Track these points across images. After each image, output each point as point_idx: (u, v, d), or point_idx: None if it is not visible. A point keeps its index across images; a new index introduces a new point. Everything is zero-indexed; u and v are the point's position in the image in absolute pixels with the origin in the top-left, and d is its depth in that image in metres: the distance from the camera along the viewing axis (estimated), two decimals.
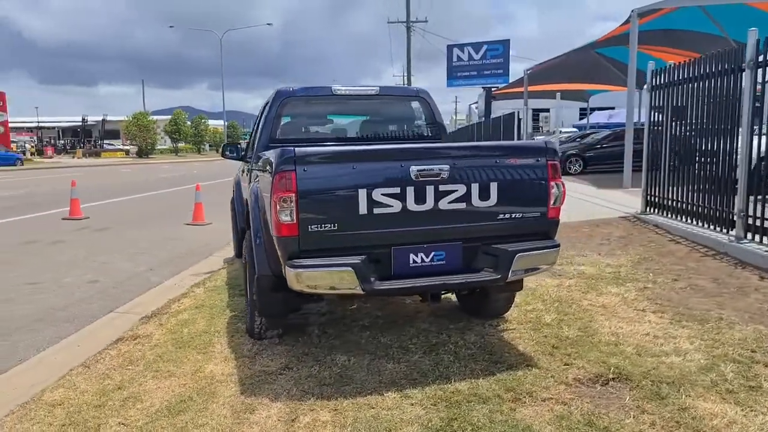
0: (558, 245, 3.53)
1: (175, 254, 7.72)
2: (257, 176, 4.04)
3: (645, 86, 8.85)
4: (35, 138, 57.26)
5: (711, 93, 6.86)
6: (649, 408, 2.91)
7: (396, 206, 3.22)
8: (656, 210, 8.52)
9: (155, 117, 57.51)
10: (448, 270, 3.40)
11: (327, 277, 3.17)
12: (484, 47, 29.68)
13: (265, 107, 4.98)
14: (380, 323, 4.38)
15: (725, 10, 13.60)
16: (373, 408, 3.00)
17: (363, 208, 3.18)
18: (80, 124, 64.53)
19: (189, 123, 61.18)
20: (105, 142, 61.74)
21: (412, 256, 3.36)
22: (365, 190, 3.18)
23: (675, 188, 7.87)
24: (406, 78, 40.71)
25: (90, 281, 6.31)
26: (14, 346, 4.32)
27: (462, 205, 3.33)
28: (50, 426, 2.91)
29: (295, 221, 3.11)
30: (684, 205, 7.60)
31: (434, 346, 3.82)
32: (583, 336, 3.92)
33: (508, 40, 30.20)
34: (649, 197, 8.76)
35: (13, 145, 46.04)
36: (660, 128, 8.27)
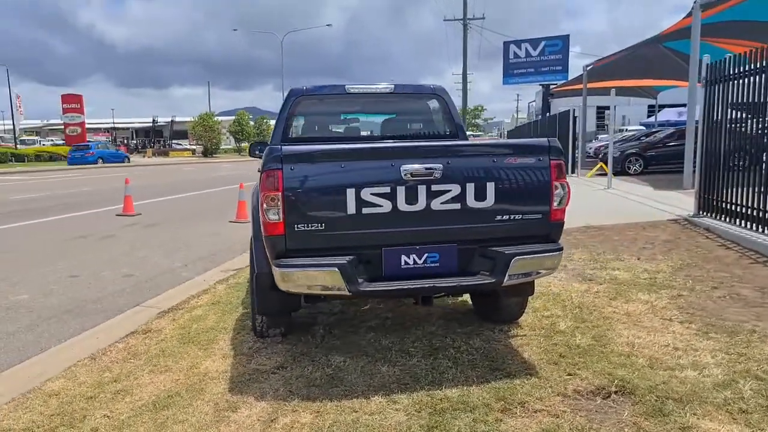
0: (560, 249, 3.33)
1: (213, 250, 7.89)
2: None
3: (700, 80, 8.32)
4: (110, 138, 60.37)
5: None
6: (646, 425, 2.69)
7: (386, 206, 3.13)
8: (710, 213, 8.00)
9: (221, 118, 59.42)
10: (442, 272, 3.28)
11: (313, 278, 3.12)
12: (542, 43, 28.92)
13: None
14: (387, 324, 4.29)
15: None
16: (355, 411, 2.93)
17: (351, 208, 3.11)
18: (151, 125, 67.64)
19: (252, 123, 62.83)
20: (173, 141, 64.27)
21: (404, 257, 3.25)
22: (354, 189, 3.10)
23: (731, 189, 7.36)
24: (462, 76, 40.26)
25: (125, 275, 6.54)
26: (39, 337, 4.52)
27: (456, 206, 3.20)
28: (41, 415, 2.99)
29: (281, 220, 3.08)
30: (740, 208, 7.08)
31: (435, 350, 3.70)
32: (595, 345, 3.69)
33: (568, 35, 29.34)
34: (702, 199, 8.24)
35: (121, 146, 50.30)
36: (717, 125, 7.75)
